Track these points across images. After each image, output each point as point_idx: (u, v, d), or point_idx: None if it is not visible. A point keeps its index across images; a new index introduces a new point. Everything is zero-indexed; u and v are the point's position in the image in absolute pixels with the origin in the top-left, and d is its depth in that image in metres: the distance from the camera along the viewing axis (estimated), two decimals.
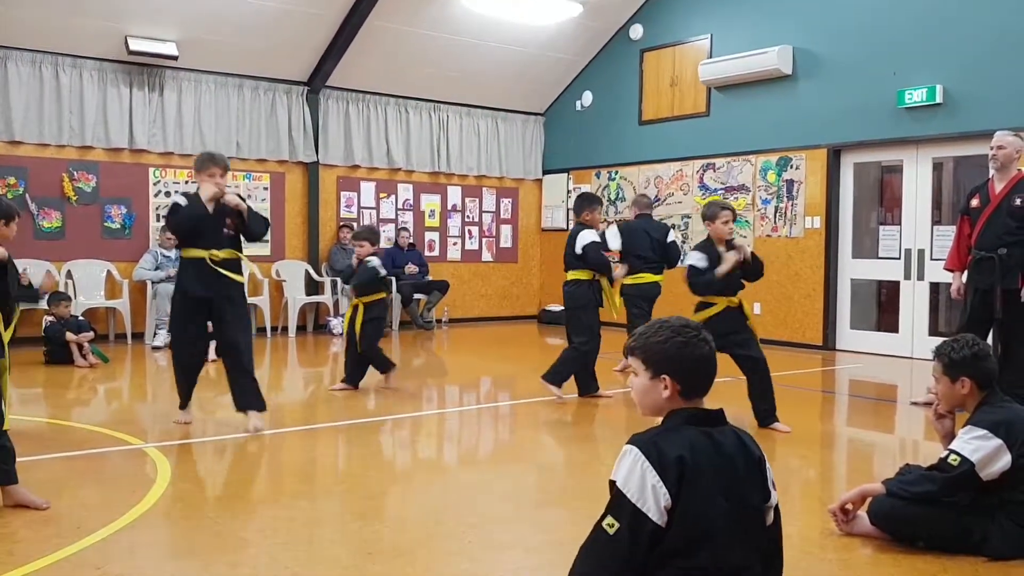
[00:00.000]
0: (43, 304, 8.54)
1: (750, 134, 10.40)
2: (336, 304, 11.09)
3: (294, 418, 6.02)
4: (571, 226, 12.56)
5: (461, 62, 11.52)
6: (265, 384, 7.69)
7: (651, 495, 2.02)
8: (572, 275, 6.51)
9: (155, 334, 9.51)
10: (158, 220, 10.01)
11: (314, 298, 11.12)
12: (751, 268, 5.52)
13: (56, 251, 9.56)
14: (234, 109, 10.61)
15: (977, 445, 3.21)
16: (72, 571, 3.06)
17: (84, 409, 6.47)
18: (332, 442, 5.32)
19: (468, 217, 12.76)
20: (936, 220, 9.10)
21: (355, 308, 6.93)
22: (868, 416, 6.59)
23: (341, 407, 6.25)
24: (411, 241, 11.92)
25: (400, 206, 12.12)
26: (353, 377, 6.88)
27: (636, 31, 11.68)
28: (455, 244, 12.66)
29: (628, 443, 2.11)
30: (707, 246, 5.48)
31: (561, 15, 10.97)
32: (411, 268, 11.54)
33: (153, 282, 9.60)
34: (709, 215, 5.50)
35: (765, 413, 5.46)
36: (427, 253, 12.22)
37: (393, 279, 11.47)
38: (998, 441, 3.19)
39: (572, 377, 6.55)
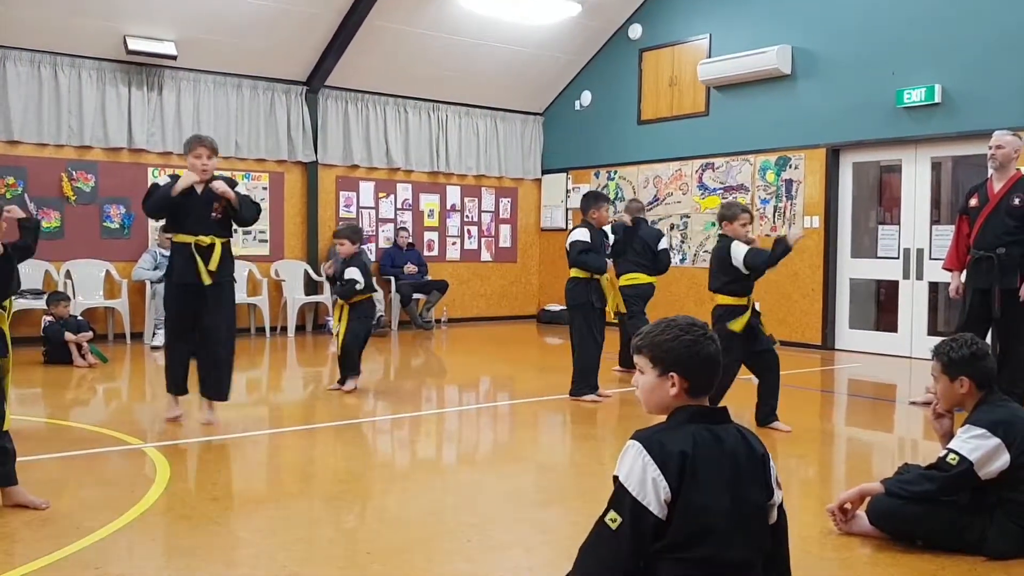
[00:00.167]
0: (42, 303, 8.55)
1: (749, 134, 10.40)
2: (335, 304, 11.08)
3: (293, 418, 6.02)
4: (574, 226, 12.63)
5: (460, 62, 11.52)
6: (264, 384, 7.72)
7: (651, 488, 2.04)
8: (572, 273, 6.54)
9: (154, 334, 9.50)
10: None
11: (313, 298, 11.12)
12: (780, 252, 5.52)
13: (55, 251, 9.55)
14: (233, 109, 10.60)
15: (976, 444, 3.21)
16: (71, 571, 3.06)
17: (83, 409, 6.46)
18: (331, 442, 5.32)
19: (467, 217, 12.76)
20: (935, 220, 9.10)
21: (341, 308, 6.90)
22: (867, 415, 6.59)
23: (339, 407, 6.25)
24: (410, 241, 11.92)
25: (399, 206, 12.12)
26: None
27: (635, 31, 11.68)
28: (454, 244, 12.66)
29: (631, 439, 2.14)
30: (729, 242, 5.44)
31: (560, 15, 10.97)
32: (410, 268, 11.54)
33: (152, 282, 9.59)
34: (729, 216, 5.44)
35: (768, 412, 5.46)
36: (426, 253, 12.22)
37: (392, 279, 11.50)
38: (997, 440, 3.20)
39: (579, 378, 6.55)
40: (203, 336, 5.33)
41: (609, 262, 6.68)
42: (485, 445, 5.62)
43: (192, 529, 3.55)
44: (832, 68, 9.57)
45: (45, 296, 8.65)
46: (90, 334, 8.25)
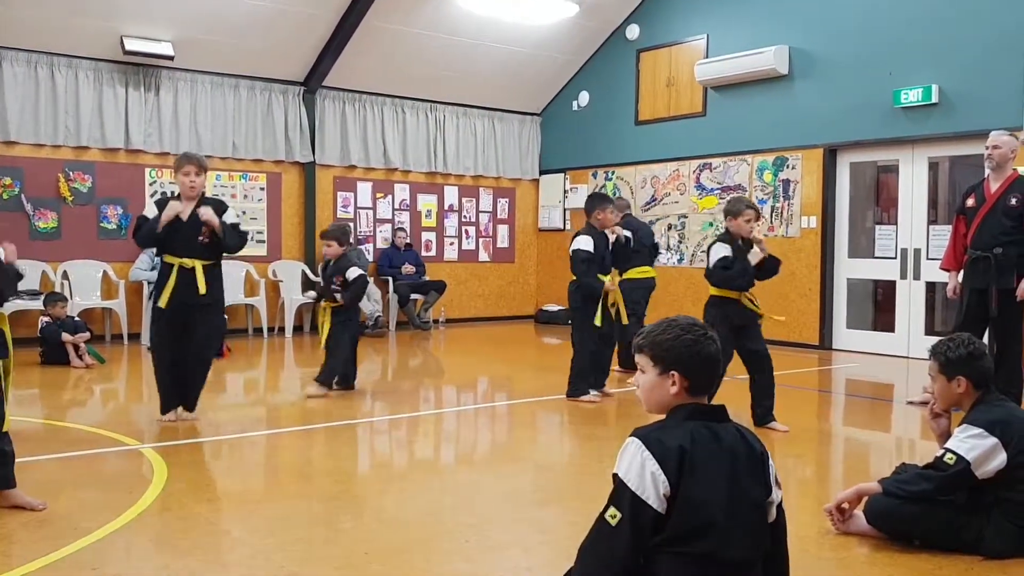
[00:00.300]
0: (39, 304, 8.54)
1: (746, 134, 10.41)
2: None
3: (290, 418, 6.02)
4: (572, 226, 12.64)
5: (458, 62, 11.52)
6: (262, 384, 7.72)
7: (650, 482, 2.06)
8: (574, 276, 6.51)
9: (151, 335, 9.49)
10: None
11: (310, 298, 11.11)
12: (767, 267, 5.50)
13: (52, 251, 9.54)
14: (230, 109, 10.59)
15: (973, 444, 3.22)
16: (68, 572, 3.06)
17: (80, 410, 6.46)
18: (328, 442, 5.32)
19: (465, 217, 12.76)
20: (932, 220, 9.11)
21: (324, 312, 6.85)
22: (864, 415, 6.60)
23: (337, 407, 6.24)
24: (408, 241, 11.91)
25: (397, 206, 12.12)
26: (347, 377, 6.86)
27: (632, 31, 11.69)
28: (452, 244, 12.66)
29: (630, 436, 2.16)
30: (728, 238, 5.44)
31: (557, 15, 10.98)
32: (408, 268, 11.54)
33: (149, 282, 9.56)
34: (733, 211, 5.42)
35: (764, 412, 5.46)
36: (424, 253, 12.21)
37: (389, 279, 11.50)
38: (994, 440, 3.20)
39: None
40: (193, 364, 5.45)
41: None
42: (483, 445, 5.62)
43: (189, 530, 3.55)
44: (829, 68, 9.58)
45: (42, 297, 8.63)
46: (87, 335, 8.24)
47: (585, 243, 6.35)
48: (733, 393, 5.45)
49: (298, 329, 11.07)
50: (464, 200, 12.74)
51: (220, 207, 5.42)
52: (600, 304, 6.38)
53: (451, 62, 11.48)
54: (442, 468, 4.85)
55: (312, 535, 3.47)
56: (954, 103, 8.58)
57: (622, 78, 11.88)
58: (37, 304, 8.65)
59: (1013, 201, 5.85)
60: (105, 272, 9.86)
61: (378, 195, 11.95)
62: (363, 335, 10.63)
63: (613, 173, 12.12)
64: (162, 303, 5.35)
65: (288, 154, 11.06)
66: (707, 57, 10.67)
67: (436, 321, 12.02)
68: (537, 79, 12.49)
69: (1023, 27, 8.07)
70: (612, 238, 6.55)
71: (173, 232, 5.30)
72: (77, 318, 8.56)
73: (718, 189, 10.74)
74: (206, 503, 3.97)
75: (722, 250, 5.37)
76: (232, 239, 5.38)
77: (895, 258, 9.28)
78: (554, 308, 12.59)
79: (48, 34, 9.24)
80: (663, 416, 2.24)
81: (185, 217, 5.32)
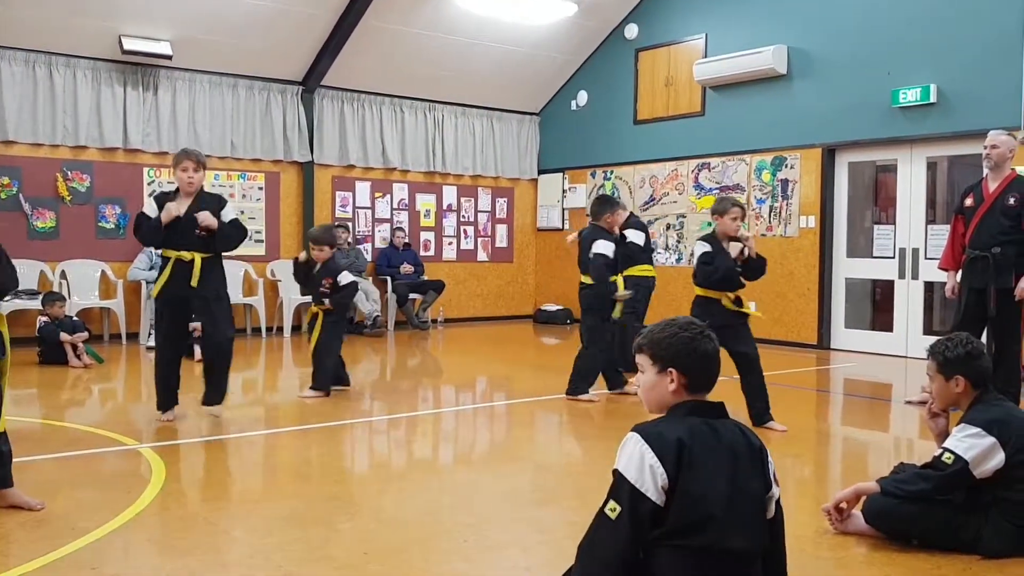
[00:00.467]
0: (37, 304, 8.53)
1: (745, 134, 10.41)
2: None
3: (288, 418, 6.01)
4: (571, 225, 12.64)
5: (456, 62, 11.52)
6: (260, 384, 7.72)
7: (649, 475, 2.09)
8: (586, 278, 6.50)
9: (150, 334, 9.45)
10: None
11: (309, 298, 11.09)
12: (753, 266, 5.51)
13: (50, 251, 9.54)
14: (229, 109, 10.59)
15: (971, 443, 3.22)
16: (67, 572, 3.05)
17: (78, 409, 6.45)
18: (327, 442, 5.31)
19: (463, 217, 12.76)
20: (930, 219, 9.12)
21: (314, 315, 6.82)
22: (863, 415, 6.60)
23: (335, 407, 6.24)
24: (406, 241, 11.91)
25: (395, 206, 12.12)
26: (342, 377, 6.85)
27: (631, 31, 11.69)
28: (450, 244, 12.66)
29: (630, 431, 2.19)
30: (712, 239, 5.50)
31: (556, 15, 10.98)
32: (406, 268, 11.54)
33: (148, 282, 9.56)
34: (719, 209, 5.48)
35: (759, 412, 5.46)
36: (422, 253, 12.21)
37: (388, 279, 11.50)
38: (992, 439, 3.20)
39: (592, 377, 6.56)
40: (215, 353, 5.48)
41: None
42: (482, 445, 5.62)
43: (188, 529, 3.54)
44: (828, 68, 9.59)
45: (40, 297, 8.62)
46: (85, 335, 8.23)
47: (607, 248, 6.40)
48: (731, 393, 5.45)
49: (296, 329, 11.05)
50: (463, 200, 12.74)
51: (220, 202, 5.45)
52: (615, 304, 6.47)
53: (450, 62, 11.47)
54: (441, 468, 4.85)
55: (311, 535, 3.47)
56: (952, 103, 8.59)
57: (621, 78, 11.88)
58: (35, 304, 8.64)
59: (1011, 201, 5.86)
60: (103, 272, 9.85)
61: (376, 195, 11.95)
62: (361, 335, 10.68)
63: (612, 173, 12.12)
64: (154, 293, 5.44)
65: (286, 154, 11.05)
66: (706, 57, 10.67)
67: (435, 321, 12.02)
68: (536, 79, 12.49)
69: (1022, 27, 8.08)
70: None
71: (172, 226, 5.33)
72: (75, 318, 8.55)
73: (717, 189, 10.75)
74: (204, 503, 3.97)
75: (702, 247, 5.48)
76: (225, 243, 5.40)
77: (893, 258, 9.29)
78: (553, 308, 12.59)
79: (47, 33, 9.23)
80: (663, 415, 2.27)
81: (182, 212, 5.32)
